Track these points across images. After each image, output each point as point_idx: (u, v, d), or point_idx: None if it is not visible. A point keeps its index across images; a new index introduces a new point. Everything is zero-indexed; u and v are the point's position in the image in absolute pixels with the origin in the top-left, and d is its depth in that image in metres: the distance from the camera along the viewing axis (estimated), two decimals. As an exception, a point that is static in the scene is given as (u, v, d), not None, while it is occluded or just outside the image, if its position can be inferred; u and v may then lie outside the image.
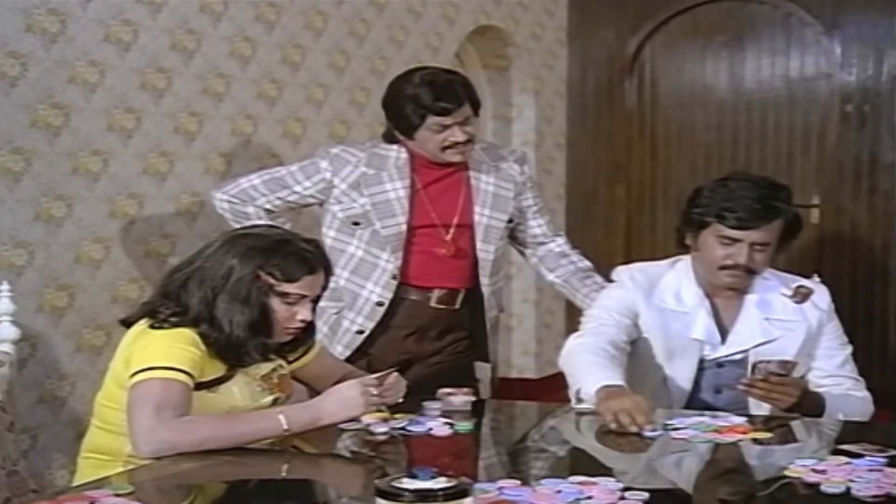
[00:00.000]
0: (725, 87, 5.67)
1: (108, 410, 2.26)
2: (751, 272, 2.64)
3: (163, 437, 2.07)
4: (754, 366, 2.55)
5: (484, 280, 3.02)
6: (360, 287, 2.97)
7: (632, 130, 5.87)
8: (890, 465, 2.01)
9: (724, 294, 2.70)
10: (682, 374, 2.68)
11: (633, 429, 2.24)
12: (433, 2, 4.89)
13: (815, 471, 1.97)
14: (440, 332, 3.02)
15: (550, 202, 5.87)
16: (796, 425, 2.46)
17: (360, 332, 2.98)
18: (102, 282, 3.38)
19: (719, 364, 2.69)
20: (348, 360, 2.91)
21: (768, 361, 2.53)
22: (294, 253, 2.29)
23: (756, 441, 2.25)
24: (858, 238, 5.43)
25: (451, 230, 2.97)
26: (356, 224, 2.96)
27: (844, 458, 2.05)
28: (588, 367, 2.48)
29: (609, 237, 5.90)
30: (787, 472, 1.98)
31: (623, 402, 2.28)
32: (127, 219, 3.46)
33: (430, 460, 2.02)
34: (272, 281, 2.26)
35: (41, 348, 3.20)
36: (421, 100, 2.86)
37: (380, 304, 2.96)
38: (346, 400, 2.23)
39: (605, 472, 1.97)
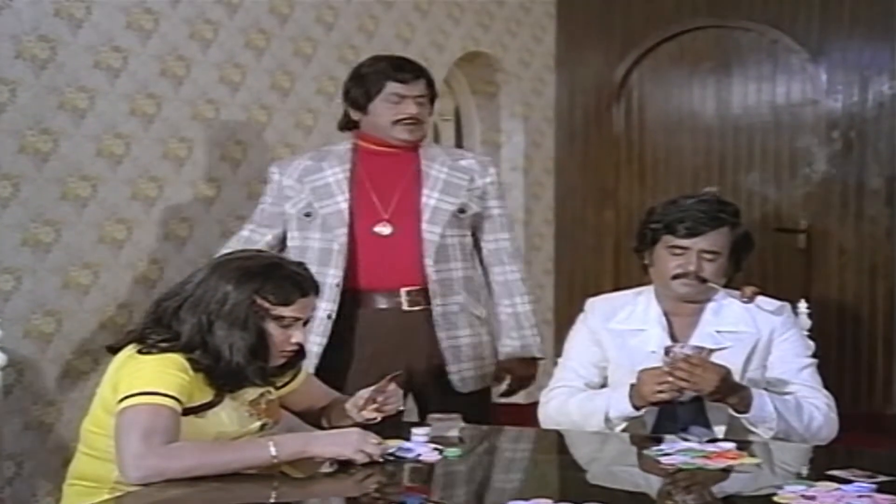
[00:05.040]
0: (712, 112, 5.69)
1: (95, 436, 2.25)
2: (702, 281, 2.70)
3: (151, 464, 2.06)
4: (667, 350, 2.58)
5: (428, 262, 2.99)
6: (324, 276, 2.93)
7: (620, 155, 5.89)
8: (879, 490, 2.01)
9: (683, 310, 2.76)
10: None
11: (683, 384, 2.51)
12: (422, 28, 4.91)
13: (804, 497, 1.97)
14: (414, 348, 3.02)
15: (539, 227, 5.88)
16: (783, 451, 2.46)
17: (329, 316, 2.98)
18: (90, 307, 3.37)
19: None
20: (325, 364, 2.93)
21: (682, 346, 2.58)
22: (287, 276, 2.31)
23: (745, 467, 2.25)
24: (845, 263, 5.44)
25: (391, 207, 3.00)
26: (308, 215, 3.05)
27: (834, 484, 2.05)
28: (590, 398, 2.70)
29: (598, 261, 5.90)
30: (775, 499, 1.98)
31: (644, 381, 2.57)
32: (115, 244, 3.45)
33: (419, 486, 2.02)
34: (267, 305, 2.27)
35: (28, 374, 3.19)
36: (380, 67, 3.04)
37: (338, 285, 2.97)
38: (341, 436, 2.23)
39: (597, 497, 1.97)
